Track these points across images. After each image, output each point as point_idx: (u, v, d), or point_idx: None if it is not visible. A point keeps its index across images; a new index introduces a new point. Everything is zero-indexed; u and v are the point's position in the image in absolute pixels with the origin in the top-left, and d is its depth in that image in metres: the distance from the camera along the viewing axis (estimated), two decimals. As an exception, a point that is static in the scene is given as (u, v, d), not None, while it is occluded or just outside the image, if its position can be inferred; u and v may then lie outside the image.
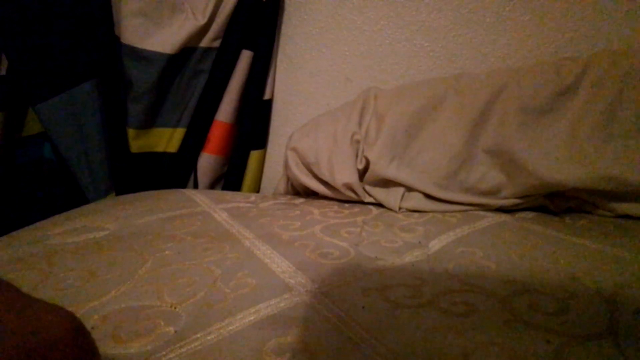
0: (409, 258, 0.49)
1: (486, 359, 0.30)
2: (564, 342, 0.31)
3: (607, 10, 0.71)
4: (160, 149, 1.00)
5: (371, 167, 0.73)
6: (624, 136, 0.61)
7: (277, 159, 1.07)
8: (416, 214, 0.68)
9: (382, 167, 0.72)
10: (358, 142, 0.76)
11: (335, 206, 0.73)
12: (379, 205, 0.74)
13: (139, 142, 0.97)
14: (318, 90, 0.98)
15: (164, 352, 0.31)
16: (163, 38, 0.90)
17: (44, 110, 0.90)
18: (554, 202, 0.66)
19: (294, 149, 0.81)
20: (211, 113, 0.99)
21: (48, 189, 1.00)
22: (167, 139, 1.00)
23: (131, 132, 0.96)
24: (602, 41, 0.73)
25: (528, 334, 0.33)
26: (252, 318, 0.36)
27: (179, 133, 1.00)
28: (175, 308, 0.38)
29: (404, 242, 0.54)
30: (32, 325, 0.19)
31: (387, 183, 0.74)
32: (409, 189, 0.73)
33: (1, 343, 0.17)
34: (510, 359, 0.30)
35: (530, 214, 0.66)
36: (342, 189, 0.75)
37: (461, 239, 0.54)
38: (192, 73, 0.97)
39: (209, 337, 0.33)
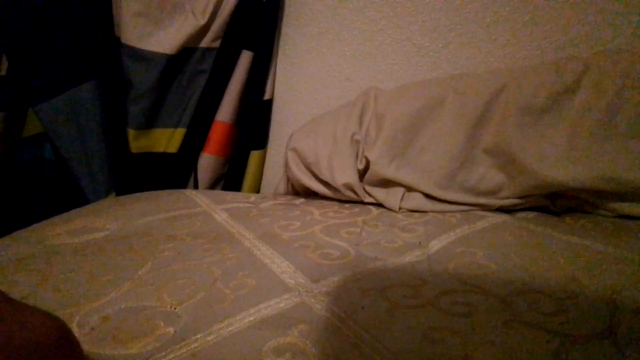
0: (409, 258, 0.49)
1: (486, 359, 0.30)
2: (563, 342, 0.31)
3: (607, 11, 0.71)
4: (160, 149, 1.00)
5: (371, 167, 0.73)
6: (624, 136, 0.61)
7: (277, 159, 1.07)
8: (416, 214, 0.68)
9: (382, 167, 0.72)
10: (358, 142, 0.76)
11: (335, 206, 0.73)
12: (379, 205, 0.74)
13: (139, 143, 0.97)
14: (318, 91, 0.98)
15: (163, 353, 0.31)
16: (163, 38, 0.90)
17: (44, 110, 0.90)
18: (554, 202, 0.66)
19: (294, 149, 0.81)
20: (211, 113, 0.99)
21: (48, 189, 1.00)
22: (167, 139, 1.00)
23: (131, 133, 0.95)
24: (602, 41, 0.72)
25: (528, 334, 0.33)
26: (252, 318, 0.36)
27: (179, 133, 1.00)
28: (175, 309, 0.38)
29: (404, 242, 0.54)
30: (17, 328, 0.19)
31: (387, 183, 0.74)
32: (409, 189, 0.73)
33: None
34: (510, 359, 0.30)
35: (530, 214, 0.66)
36: (342, 189, 0.75)
37: (461, 239, 0.54)
38: (192, 73, 0.97)
39: (208, 338, 0.33)
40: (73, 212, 0.69)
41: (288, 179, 0.89)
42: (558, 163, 0.62)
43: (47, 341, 0.20)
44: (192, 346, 0.32)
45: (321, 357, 0.30)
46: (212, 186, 1.05)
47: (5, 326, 0.18)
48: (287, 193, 0.91)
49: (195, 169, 1.02)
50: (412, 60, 0.87)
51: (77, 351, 0.22)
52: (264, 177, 1.10)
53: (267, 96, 1.01)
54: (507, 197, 0.67)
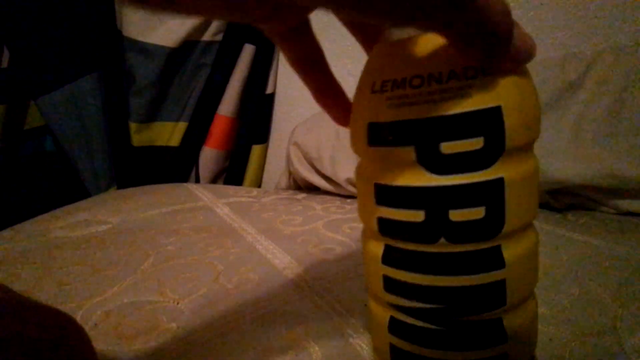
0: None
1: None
2: (566, 339, 0.31)
3: (612, 7, 0.70)
4: (162, 142, 1.00)
5: (374, 162, 0.73)
6: (628, 133, 0.61)
7: (278, 153, 1.07)
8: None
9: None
10: (360, 137, 0.75)
11: (337, 201, 0.73)
12: (381, 200, 0.73)
13: (140, 136, 0.97)
14: (320, 85, 0.98)
15: (166, 349, 0.31)
16: (165, 31, 0.90)
17: (46, 103, 0.90)
18: (556, 199, 0.66)
19: (297, 144, 0.81)
20: (213, 107, 0.99)
21: (49, 182, 1.00)
22: (169, 133, 1.00)
23: (133, 126, 0.95)
24: (606, 38, 0.72)
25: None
26: (254, 315, 0.36)
27: (181, 127, 1.00)
28: (177, 304, 0.38)
29: (406, 238, 0.54)
30: (20, 326, 0.19)
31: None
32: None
33: None
34: (513, 357, 0.30)
35: (532, 211, 0.66)
36: (345, 184, 0.74)
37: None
38: (194, 67, 0.97)
39: (211, 334, 0.33)
40: (74, 205, 0.69)
41: (290, 174, 0.89)
42: (561, 160, 0.62)
43: (52, 339, 0.20)
44: (195, 343, 0.32)
45: (323, 355, 0.30)
46: (214, 180, 1.05)
47: (6, 324, 0.18)
48: (288, 188, 0.91)
49: (196, 163, 1.02)
50: (415, 55, 0.87)
51: (85, 349, 0.22)
52: (265, 172, 1.10)
53: (269, 90, 1.01)
54: (510, 194, 0.67)
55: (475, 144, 0.18)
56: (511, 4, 0.68)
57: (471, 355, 0.21)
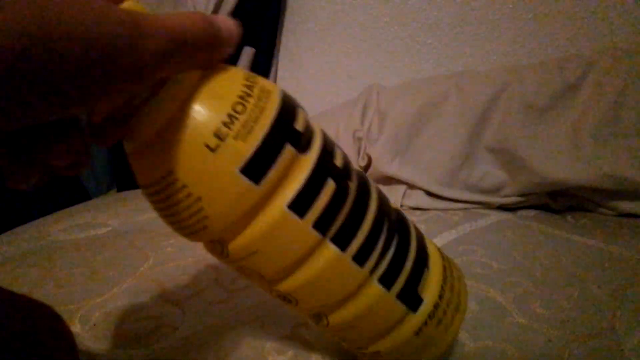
0: (410, 256, 0.49)
1: (488, 358, 0.30)
2: (565, 340, 0.31)
3: (611, 9, 0.71)
4: (161, 145, 1.00)
5: (373, 164, 0.73)
6: (627, 134, 0.61)
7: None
8: (418, 212, 0.68)
9: (384, 165, 0.72)
10: (360, 139, 0.75)
11: (336, 203, 0.73)
12: (381, 202, 0.73)
13: (140, 139, 0.97)
14: (320, 88, 0.98)
15: (165, 350, 0.31)
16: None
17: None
18: (555, 201, 0.66)
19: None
20: (213, 109, 0.99)
21: (49, 185, 1.00)
22: (169, 136, 1.00)
23: (133, 129, 0.96)
24: (605, 39, 0.72)
25: (529, 333, 0.33)
26: (253, 315, 0.36)
27: (181, 129, 1.00)
28: (177, 305, 0.38)
29: (406, 240, 0.54)
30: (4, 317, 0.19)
31: (389, 180, 0.74)
32: (411, 186, 0.72)
33: None
34: (512, 358, 0.30)
35: (531, 212, 0.66)
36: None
37: (463, 237, 0.54)
38: (194, 69, 0.97)
39: (211, 334, 0.33)
40: (74, 208, 0.69)
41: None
42: (560, 161, 0.62)
43: (35, 329, 0.20)
44: (194, 343, 0.32)
45: (323, 356, 0.30)
46: (213, 182, 1.05)
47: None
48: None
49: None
50: (415, 58, 0.87)
51: (67, 339, 0.22)
52: (265, 174, 1.10)
53: (268, 92, 1.01)
54: (509, 195, 0.67)
55: (303, 114, 0.23)
56: (510, 6, 0.68)
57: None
